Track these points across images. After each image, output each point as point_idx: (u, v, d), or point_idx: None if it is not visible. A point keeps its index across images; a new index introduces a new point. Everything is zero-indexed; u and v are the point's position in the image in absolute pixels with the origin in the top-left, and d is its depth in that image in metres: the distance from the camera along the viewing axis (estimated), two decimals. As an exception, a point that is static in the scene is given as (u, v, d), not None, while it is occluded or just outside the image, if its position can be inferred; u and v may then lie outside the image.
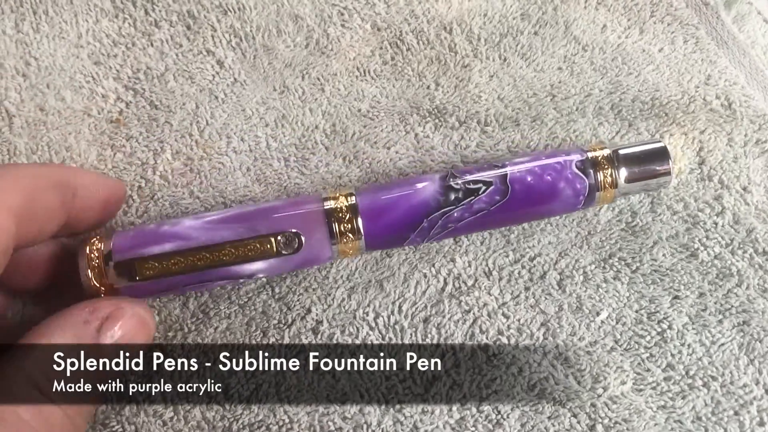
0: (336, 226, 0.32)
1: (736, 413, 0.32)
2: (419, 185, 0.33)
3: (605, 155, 0.34)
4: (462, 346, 0.33)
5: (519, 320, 0.34)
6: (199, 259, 0.31)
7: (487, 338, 0.33)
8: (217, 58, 0.41)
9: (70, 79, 0.40)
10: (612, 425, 0.31)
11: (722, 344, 0.33)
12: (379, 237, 0.33)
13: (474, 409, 0.32)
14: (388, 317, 0.34)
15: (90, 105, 0.39)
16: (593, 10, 0.43)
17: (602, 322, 0.34)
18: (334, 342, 0.33)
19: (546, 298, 0.34)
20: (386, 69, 0.41)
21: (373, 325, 0.34)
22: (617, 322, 0.34)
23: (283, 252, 0.31)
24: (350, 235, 0.32)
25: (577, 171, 0.33)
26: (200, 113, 0.39)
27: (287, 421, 0.31)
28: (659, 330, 0.34)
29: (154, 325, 0.31)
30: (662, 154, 0.34)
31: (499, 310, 0.34)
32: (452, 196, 0.32)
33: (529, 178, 0.33)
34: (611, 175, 0.34)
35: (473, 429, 0.31)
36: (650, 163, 0.34)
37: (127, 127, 0.38)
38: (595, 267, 0.35)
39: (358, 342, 0.33)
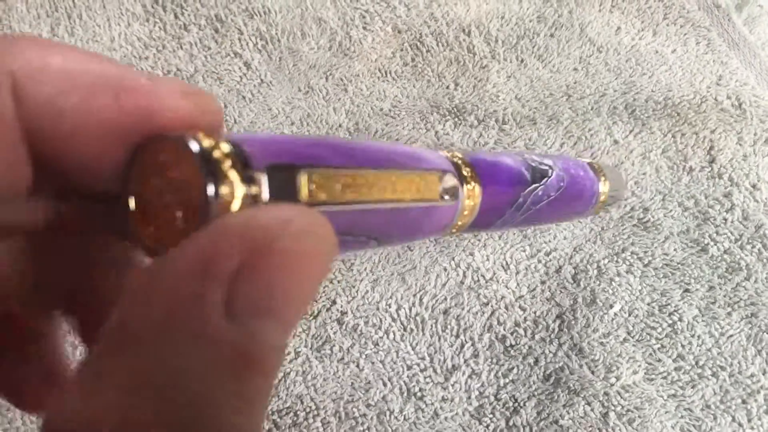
0: (463, 188, 0.26)
1: (743, 401, 0.33)
2: (508, 158, 0.32)
3: (597, 165, 0.34)
4: (480, 337, 0.35)
5: (535, 312, 0.35)
6: (367, 185, 0.20)
7: (504, 330, 0.35)
8: (245, 60, 0.42)
9: (103, 80, 0.42)
10: (624, 413, 0.33)
11: (731, 336, 0.35)
12: (488, 206, 0.31)
13: (492, 398, 0.33)
14: (410, 309, 0.35)
15: (123, 105, 0.41)
16: (608, 12, 0.44)
17: (615, 314, 0.35)
18: (359, 332, 0.35)
19: (561, 292, 0.36)
20: (407, 70, 0.42)
21: (396, 316, 0.35)
22: (630, 315, 0.35)
23: (445, 198, 0.24)
24: (474, 190, 0.28)
25: (593, 174, 0.34)
26: (229, 112, 0.40)
27: (314, 408, 0.33)
28: (670, 322, 0.35)
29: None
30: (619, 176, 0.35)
31: (516, 303, 0.35)
32: (533, 173, 0.31)
33: (572, 171, 0.33)
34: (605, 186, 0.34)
35: (491, 416, 0.33)
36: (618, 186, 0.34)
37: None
38: (609, 261, 0.36)
39: (381, 333, 0.35)
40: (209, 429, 0.12)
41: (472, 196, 0.26)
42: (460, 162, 0.26)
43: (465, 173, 0.25)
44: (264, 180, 0.15)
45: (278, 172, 0.16)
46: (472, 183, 0.25)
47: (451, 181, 0.23)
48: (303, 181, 0.16)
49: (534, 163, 0.31)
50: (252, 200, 0.15)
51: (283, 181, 0.16)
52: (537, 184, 0.31)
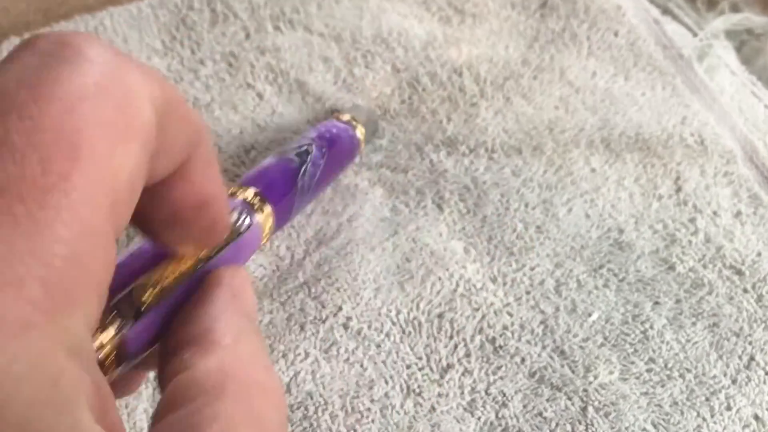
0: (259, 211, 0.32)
1: (707, 399, 0.37)
2: (275, 160, 0.37)
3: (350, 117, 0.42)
4: (472, 339, 0.38)
5: (521, 318, 0.39)
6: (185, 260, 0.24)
7: (494, 332, 0.38)
8: (257, 91, 0.47)
9: (127, 107, 0.45)
10: (601, 407, 0.36)
11: (696, 342, 0.39)
12: (281, 205, 0.34)
13: (483, 393, 0.37)
14: (408, 313, 0.39)
15: (146, 129, 0.45)
16: (584, 59, 0.49)
17: (593, 322, 0.39)
18: (362, 336, 0.38)
19: (545, 301, 0.40)
20: (404, 108, 0.47)
21: (395, 320, 0.39)
22: (606, 322, 0.39)
23: (242, 231, 0.29)
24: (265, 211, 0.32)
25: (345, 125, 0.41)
26: (245, 138, 0.44)
27: (323, 403, 0.36)
28: (642, 329, 0.39)
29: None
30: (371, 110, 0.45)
31: (504, 309, 0.39)
32: (299, 159, 0.37)
33: (327, 135, 0.40)
34: (360, 130, 0.42)
35: (482, 409, 0.36)
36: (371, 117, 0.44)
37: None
38: (587, 276, 0.41)
39: (382, 335, 0.38)
40: None
41: (267, 215, 0.32)
42: (249, 196, 0.31)
43: (254, 202, 0.31)
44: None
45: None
46: (264, 206, 0.32)
47: (246, 221, 0.28)
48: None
49: (295, 151, 0.37)
50: None
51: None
52: (305, 165, 0.37)
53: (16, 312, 0.13)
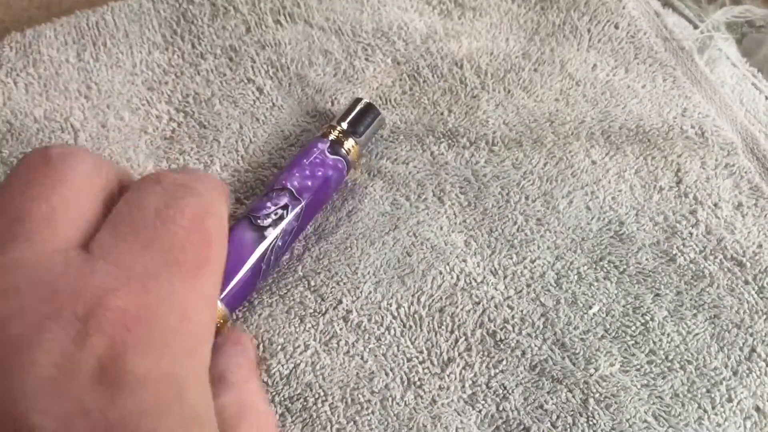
0: None
1: (708, 391, 0.37)
2: (241, 245, 0.37)
3: (341, 131, 0.42)
4: (473, 333, 0.38)
5: (522, 311, 0.39)
6: None
7: (494, 326, 0.38)
8: (257, 86, 0.47)
9: (127, 101, 0.46)
10: (602, 399, 0.36)
11: (696, 334, 0.39)
12: (237, 300, 0.37)
13: (484, 386, 0.37)
14: (409, 307, 0.39)
15: (146, 124, 0.45)
16: (585, 51, 0.49)
17: (594, 314, 0.39)
18: (362, 329, 0.38)
19: (545, 294, 0.40)
20: (405, 98, 0.47)
21: (396, 314, 0.39)
22: (607, 315, 0.39)
23: None
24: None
25: (331, 155, 0.41)
26: (244, 132, 0.44)
27: (322, 394, 0.36)
28: (643, 322, 0.39)
29: None
30: (371, 108, 0.43)
31: (504, 303, 0.39)
32: (268, 232, 0.37)
33: (308, 183, 0.39)
34: (352, 144, 0.42)
35: (483, 402, 0.36)
36: (367, 118, 0.43)
37: (179, 143, 0.44)
38: (588, 268, 0.41)
39: (383, 329, 0.38)
40: None
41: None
42: None
43: None
44: None
45: None
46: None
47: None
48: None
49: (265, 219, 0.38)
50: None
51: None
52: (273, 243, 0.37)
53: (187, 339, 0.22)
